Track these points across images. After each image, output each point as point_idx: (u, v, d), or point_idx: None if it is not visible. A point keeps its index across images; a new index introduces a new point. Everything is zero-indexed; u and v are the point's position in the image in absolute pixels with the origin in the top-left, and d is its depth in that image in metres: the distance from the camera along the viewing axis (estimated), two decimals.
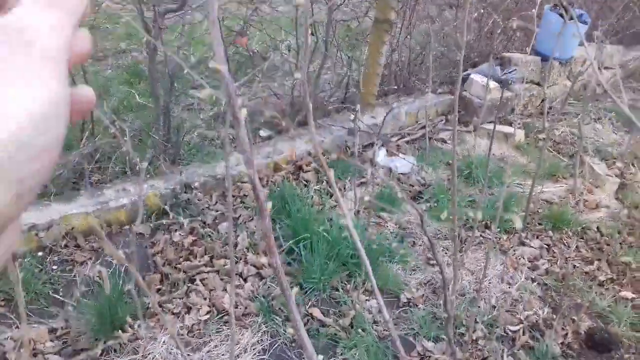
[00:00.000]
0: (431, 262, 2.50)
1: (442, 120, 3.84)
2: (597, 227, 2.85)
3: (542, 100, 4.18)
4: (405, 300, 2.28)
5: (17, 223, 0.28)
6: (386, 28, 3.22)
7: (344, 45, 4.00)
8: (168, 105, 2.68)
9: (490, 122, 3.84)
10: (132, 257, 2.25)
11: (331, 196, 2.87)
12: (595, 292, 2.41)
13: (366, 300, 2.25)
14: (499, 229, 2.70)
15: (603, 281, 2.49)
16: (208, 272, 2.31)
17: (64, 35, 0.28)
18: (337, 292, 2.27)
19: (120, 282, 2.16)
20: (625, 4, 5.02)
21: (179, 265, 2.31)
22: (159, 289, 2.22)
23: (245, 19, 3.31)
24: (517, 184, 3.20)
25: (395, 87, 3.86)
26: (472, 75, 3.92)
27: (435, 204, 2.91)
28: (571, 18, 4.05)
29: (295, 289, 0.76)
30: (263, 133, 3.17)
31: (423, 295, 2.33)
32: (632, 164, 3.48)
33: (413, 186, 3.09)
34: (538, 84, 4.24)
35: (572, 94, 4.57)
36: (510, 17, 4.59)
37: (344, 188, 2.94)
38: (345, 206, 0.78)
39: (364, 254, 0.87)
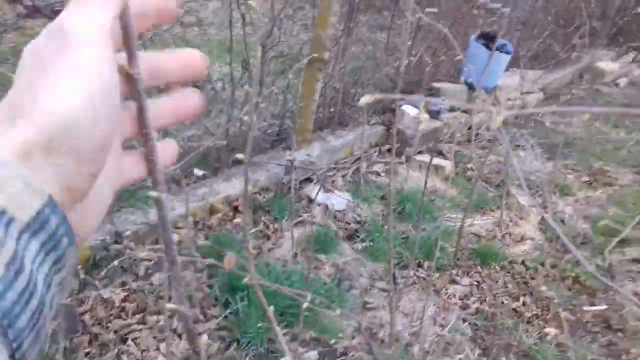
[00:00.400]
0: (368, 306, 2.55)
1: (376, 152, 3.91)
2: (522, 261, 2.99)
3: (469, 128, 4.35)
4: (342, 350, 2.31)
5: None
6: (320, 67, 3.24)
7: (279, 81, 4.00)
8: None
9: (421, 153, 3.96)
10: (57, 317, 2.16)
11: (268, 238, 2.87)
12: (522, 330, 2.52)
13: (305, 351, 2.26)
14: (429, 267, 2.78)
15: (529, 317, 2.61)
16: (140, 329, 2.25)
17: (100, 25, 0.33)
18: (274, 345, 2.27)
19: (47, 347, 2.07)
20: (545, 31, 5.31)
21: (109, 324, 2.24)
22: (87, 353, 2.13)
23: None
24: (447, 217, 3.31)
25: (330, 119, 3.89)
26: (403, 107, 4.02)
27: (371, 243, 2.96)
28: (495, 49, 4.24)
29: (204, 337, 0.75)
30: (198, 172, 3.12)
31: (359, 343, 2.36)
32: (554, 193, 3.68)
33: (349, 224, 3.13)
34: (466, 112, 4.41)
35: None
36: (439, 46, 4.75)
37: (281, 229, 2.94)
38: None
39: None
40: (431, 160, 2.41)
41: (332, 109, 3.93)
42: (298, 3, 4.10)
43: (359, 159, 3.70)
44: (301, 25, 5.38)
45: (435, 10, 6.66)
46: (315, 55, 3.20)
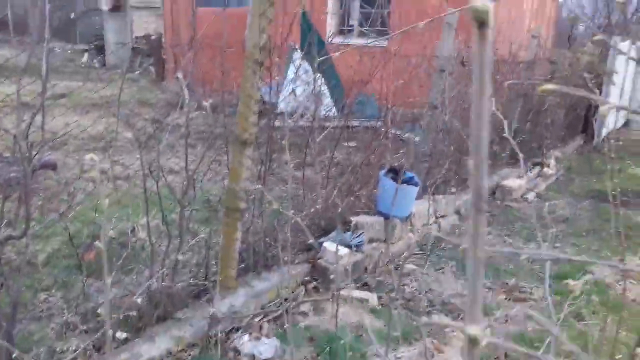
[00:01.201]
0: None
1: (302, 291, 4.00)
2: None
3: (389, 261, 4.55)
4: None
5: None
6: (237, 217, 3.40)
7: (204, 228, 4.13)
8: (10, 333, 2.54)
9: (346, 287, 4.08)
10: None
11: None
12: None
13: None
14: None
15: None
16: None
17: None
18: None
19: None
20: (452, 159, 5.80)
21: None
22: None
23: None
24: (376, 353, 3.36)
25: (255, 262, 3.99)
26: (324, 244, 4.20)
27: None
28: (403, 181, 4.60)
29: None
30: (119, 335, 3.08)
31: None
32: None
33: None
34: (385, 241, 4.63)
35: (417, 245, 5.04)
36: (354, 181, 5.09)
37: None
38: None
39: None
40: (356, 294, 2.52)
41: (256, 252, 4.05)
42: (215, 156, 4.34)
43: (286, 299, 3.77)
44: (225, 173, 5.64)
45: (354, 144, 7.18)
46: (231, 206, 3.37)
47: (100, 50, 16.90)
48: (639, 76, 11.54)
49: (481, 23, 0.46)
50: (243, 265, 3.89)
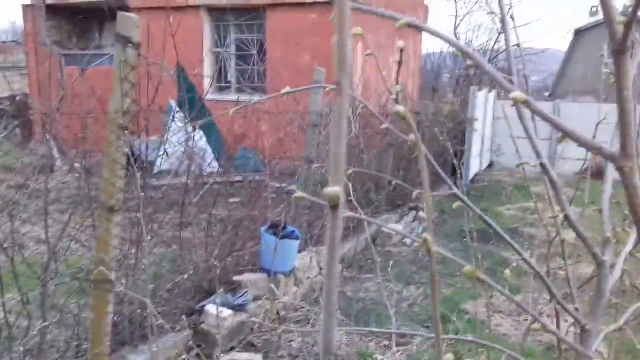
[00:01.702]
0: None
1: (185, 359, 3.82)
2: None
3: (276, 314, 4.50)
4: None
5: None
6: (108, 289, 3.21)
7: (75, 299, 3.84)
8: None
9: (231, 351, 3.96)
10: None
11: None
12: None
13: None
14: None
15: None
16: None
17: None
18: None
19: None
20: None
21: None
22: None
23: None
24: None
25: (131, 334, 3.77)
26: (206, 307, 4.07)
27: None
28: (283, 236, 4.63)
29: None
30: None
31: None
32: None
33: None
34: (269, 298, 4.59)
35: (303, 298, 5.04)
36: (237, 239, 5.03)
37: None
38: None
39: None
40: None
41: (132, 323, 3.82)
42: (89, 221, 4.09)
43: None
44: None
45: (237, 199, 7.13)
46: (100, 277, 3.18)
47: None
48: (497, 122, 12.72)
49: (333, 207, 0.47)
50: (118, 337, 3.65)
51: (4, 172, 9.51)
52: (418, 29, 0.71)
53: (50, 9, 12.98)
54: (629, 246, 0.89)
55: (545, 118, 0.63)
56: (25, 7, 13.31)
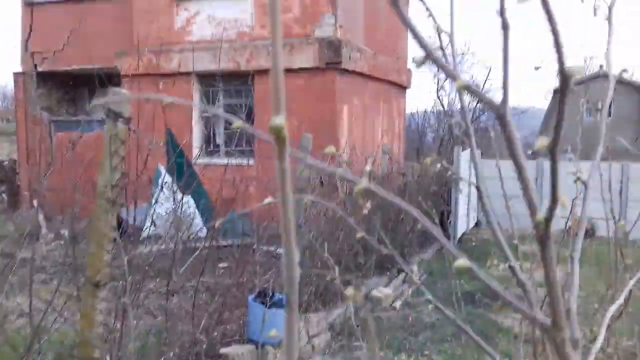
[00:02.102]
0: None
1: None
2: None
3: None
4: None
5: None
6: None
7: None
8: None
9: None
10: None
11: None
12: None
13: None
14: None
15: None
16: None
17: None
18: None
19: None
20: (319, 275, 5.90)
21: None
22: None
23: None
24: None
25: None
26: None
27: None
28: (272, 304, 4.58)
29: None
30: None
31: None
32: None
33: None
34: None
35: None
36: (225, 307, 4.97)
37: None
38: None
39: None
40: None
41: None
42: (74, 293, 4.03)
43: None
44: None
45: (225, 264, 7.07)
46: (85, 356, 3.11)
47: None
48: (482, 182, 12.87)
49: (279, 138, 0.49)
50: None
51: None
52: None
53: (42, 76, 13.21)
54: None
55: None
56: (16, 74, 13.54)
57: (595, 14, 1.22)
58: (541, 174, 12.81)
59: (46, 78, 13.35)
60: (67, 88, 13.63)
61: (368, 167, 0.97)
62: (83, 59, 12.00)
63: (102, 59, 10.96)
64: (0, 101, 41.43)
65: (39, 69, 13.04)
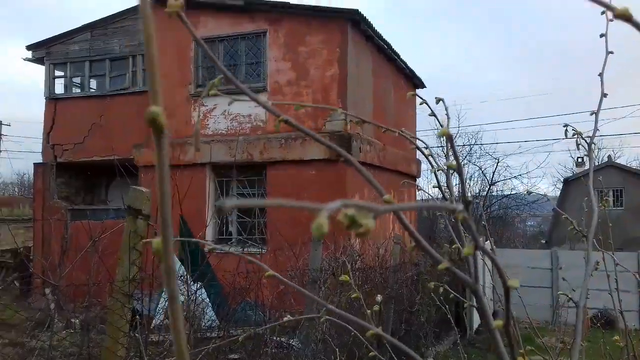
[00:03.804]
0: None
1: None
2: None
3: None
4: None
5: None
6: None
7: None
8: None
9: None
10: None
11: None
12: None
13: None
14: None
15: None
16: None
17: None
18: None
19: None
20: None
21: None
22: None
23: None
24: None
25: None
26: None
27: None
28: None
29: None
30: None
31: None
32: None
33: None
34: None
35: None
36: None
37: None
38: None
39: None
40: None
41: None
42: None
43: None
44: None
45: (237, 356, 6.93)
46: None
47: None
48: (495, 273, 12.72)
49: (156, 127, 0.45)
50: None
51: (1, 327, 9.34)
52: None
53: (61, 166, 13.63)
54: None
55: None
56: (36, 165, 13.99)
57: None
58: (556, 264, 12.66)
59: (65, 168, 13.77)
60: (85, 177, 14.01)
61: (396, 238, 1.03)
62: (103, 150, 12.44)
63: (121, 150, 11.36)
64: (18, 189, 42.34)
65: (59, 159, 13.49)
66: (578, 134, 1.45)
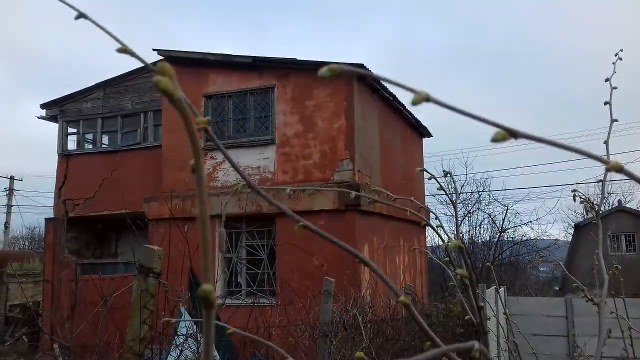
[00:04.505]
0: None
1: None
2: None
3: None
4: None
5: None
6: None
7: None
8: None
9: None
10: None
11: None
12: None
13: None
14: None
15: None
16: None
17: None
18: None
19: None
20: None
21: None
22: None
23: None
24: None
25: None
26: None
27: None
28: None
29: None
30: None
31: None
32: None
33: None
34: None
35: None
36: None
37: None
38: None
39: None
40: None
41: None
42: None
43: None
44: None
45: None
46: None
47: None
48: (511, 318, 12.45)
49: (207, 302, 0.48)
50: None
51: None
52: None
53: (72, 221, 13.74)
54: None
55: None
56: (47, 219, 14.12)
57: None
58: (571, 312, 12.37)
59: (76, 222, 13.87)
60: (95, 231, 14.09)
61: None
62: (113, 204, 12.57)
63: (131, 204, 11.48)
64: (28, 242, 42.45)
65: (71, 214, 13.62)
66: (586, 200, 1.50)
